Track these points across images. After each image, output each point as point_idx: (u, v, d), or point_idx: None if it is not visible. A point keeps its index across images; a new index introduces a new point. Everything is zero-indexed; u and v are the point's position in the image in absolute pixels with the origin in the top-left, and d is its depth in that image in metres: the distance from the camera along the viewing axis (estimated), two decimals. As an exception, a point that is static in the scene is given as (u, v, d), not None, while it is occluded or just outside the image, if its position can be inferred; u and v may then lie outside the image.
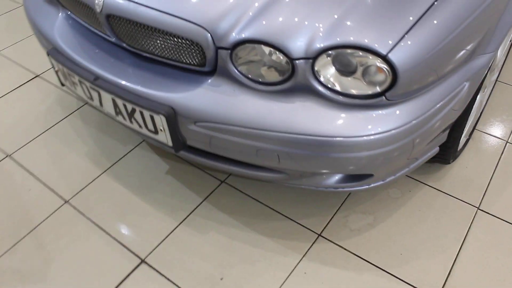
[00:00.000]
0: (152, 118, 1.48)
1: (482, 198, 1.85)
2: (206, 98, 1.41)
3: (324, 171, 1.40)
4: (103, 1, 1.46)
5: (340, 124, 1.28)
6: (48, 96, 2.48)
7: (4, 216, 1.89)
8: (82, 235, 1.80)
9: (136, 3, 1.41)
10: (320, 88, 1.29)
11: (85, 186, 1.99)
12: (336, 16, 1.26)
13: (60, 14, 1.83)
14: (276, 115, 1.35)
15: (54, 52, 1.73)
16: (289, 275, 1.64)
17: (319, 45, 1.24)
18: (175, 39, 1.39)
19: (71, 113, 2.36)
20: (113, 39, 1.58)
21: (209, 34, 1.32)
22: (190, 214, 1.86)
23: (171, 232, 1.80)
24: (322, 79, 1.28)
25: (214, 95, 1.40)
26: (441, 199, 1.86)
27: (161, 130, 1.50)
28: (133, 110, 1.52)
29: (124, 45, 1.57)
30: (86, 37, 1.74)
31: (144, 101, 1.47)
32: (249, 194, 1.92)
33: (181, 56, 1.43)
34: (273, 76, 1.33)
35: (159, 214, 1.86)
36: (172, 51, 1.43)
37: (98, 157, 2.11)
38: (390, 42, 1.20)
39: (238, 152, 1.44)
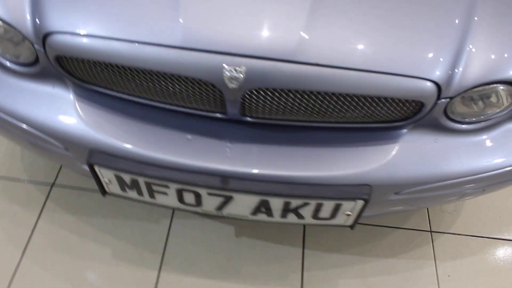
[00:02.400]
0: (337, 206, 1.12)
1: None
2: (411, 158, 1.12)
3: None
4: (244, 74, 0.95)
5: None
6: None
7: None
8: None
9: (321, 65, 0.96)
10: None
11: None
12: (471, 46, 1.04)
13: (73, 94, 1.14)
14: (477, 151, 1.17)
15: (105, 158, 1.10)
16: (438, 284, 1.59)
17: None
18: (369, 99, 1.03)
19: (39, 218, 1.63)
20: (225, 115, 1.09)
21: (437, 86, 1.01)
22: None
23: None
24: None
25: (418, 152, 1.13)
26: None
27: (347, 214, 1.16)
28: (302, 205, 1.12)
29: (249, 119, 1.10)
30: (143, 120, 1.15)
31: (325, 190, 1.09)
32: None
33: (373, 116, 1.08)
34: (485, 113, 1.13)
35: None
36: (358, 113, 1.07)
37: (141, 252, 1.56)
38: None
39: (439, 200, 1.24)
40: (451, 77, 1.01)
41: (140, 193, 1.18)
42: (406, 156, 1.12)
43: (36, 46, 1.07)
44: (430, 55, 0.99)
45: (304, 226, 1.69)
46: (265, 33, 0.95)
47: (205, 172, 1.08)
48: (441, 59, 0.99)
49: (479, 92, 1.05)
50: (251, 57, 0.94)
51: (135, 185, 1.14)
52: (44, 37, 1.03)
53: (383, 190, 1.12)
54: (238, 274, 1.56)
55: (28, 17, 1.04)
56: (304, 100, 1.01)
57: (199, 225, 1.66)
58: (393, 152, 1.11)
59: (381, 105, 1.02)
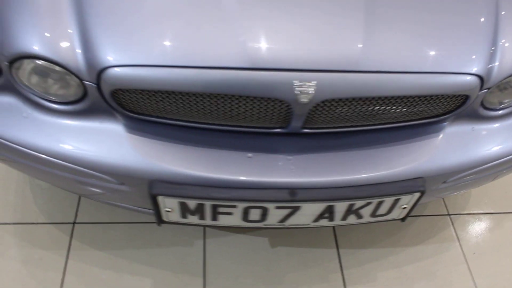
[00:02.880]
0: (395, 202, 1.19)
1: None
2: (454, 148, 1.20)
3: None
4: (315, 89, 0.99)
5: None
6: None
7: None
8: None
9: (374, 72, 1.02)
10: None
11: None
12: None
13: (124, 127, 1.13)
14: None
15: (169, 187, 1.10)
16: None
17: None
18: (413, 98, 1.10)
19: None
20: (285, 129, 1.12)
21: (480, 79, 1.10)
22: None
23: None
24: None
25: (459, 141, 1.21)
26: None
27: (403, 208, 1.22)
28: (365, 205, 1.17)
29: (306, 130, 1.14)
30: (199, 144, 1.16)
31: (387, 187, 1.15)
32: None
33: (424, 113, 1.15)
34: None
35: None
36: (411, 112, 1.14)
37: (181, 278, 1.55)
38: None
39: (478, 183, 1.34)
40: (491, 70, 1.10)
41: (202, 217, 1.18)
42: (450, 146, 1.20)
43: (87, 82, 1.05)
44: (473, 51, 1.08)
45: (334, 227, 1.74)
46: (329, 47, 1.00)
47: (272, 187, 1.10)
48: (482, 54, 1.08)
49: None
50: (320, 71, 0.98)
51: (199, 210, 1.14)
52: (99, 72, 1.01)
53: (434, 181, 1.19)
54: (282, 282, 1.59)
55: (79, 54, 1.02)
56: (365, 106, 1.06)
57: (232, 241, 1.67)
58: (439, 144, 1.19)
59: (432, 102, 1.10)
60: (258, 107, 1.04)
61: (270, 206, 1.13)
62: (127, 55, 0.99)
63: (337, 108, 1.05)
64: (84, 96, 1.09)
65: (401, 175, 1.15)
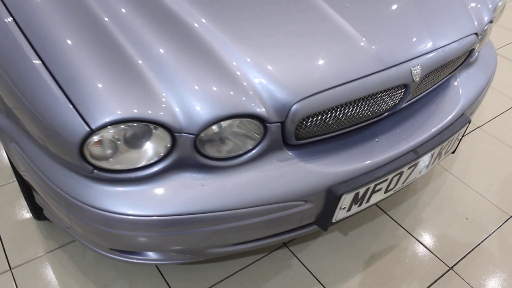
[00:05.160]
0: (458, 135, 1.67)
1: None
2: (468, 86, 1.76)
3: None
4: (420, 69, 1.41)
5: None
6: None
7: None
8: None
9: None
10: None
11: None
12: None
13: (292, 152, 1.34)
14: None
15: (347, 184, 1.36)
16: None
17: None
18: None
19: None
20: (394, 110, 1.49)
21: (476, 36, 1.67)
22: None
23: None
24: None
25: (471, 81, 1.79)
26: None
27: (459, 139, 1.71)
28: (447, 144, 1.63)
29: (404, 104, 1.52)
30: (340, 145, 1.45)
31: (456, 125, 1.62)
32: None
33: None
34: None
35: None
36: (448, 72, 1.64)
37: None
38: None
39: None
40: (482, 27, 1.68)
41: (360, 203, 1.44)
42: (464, 87, 1.74)
43: (271, 124, 1.21)
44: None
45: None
46: (419, 41, 1.43)
47: (401, 155, 1.46)
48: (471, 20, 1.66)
49: None
50: (418, 57, 1.39)
51: (364, 195, 1.41)
52: (288, 109, 1.22)
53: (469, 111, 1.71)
54: (370, 252, 1.89)
55: (260, 104, 1.20)
56: (436, 74, 1.51)
57: (314, 246, 1.89)
58: (459, 86, 1.72)
59: (459, 59, 1.62)
60: (387, 96, 1.39)
61: (405, 169, 1.47)
62: (305, 88, 1.23)
63: (424, 81, 1.48)
64: (262, 139, 1.25)
65: (456, 115, 1.63)
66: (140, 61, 1.16)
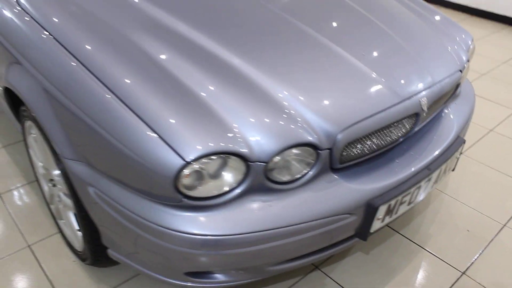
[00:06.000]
0: (457, 153, 1.99)
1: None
2: (460, 108, 2.11)
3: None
4: (427, 100, 1.74)
5: None
6: None
7: None
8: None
9: None
10: None
11: None
12: None
13: (337, 176, 1.60)
14: None
15: (383, 196, 1.63)
16: None
17: None
18: None
19: None
20: (407, 135, 1.79)
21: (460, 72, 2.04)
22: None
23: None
24: None
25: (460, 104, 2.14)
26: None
27: (457, 158, 2.03)
28: (450, 161, 1.94)
29: (416, 128, 1.82)
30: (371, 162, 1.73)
31: (455, 144, 1.94)
32: None
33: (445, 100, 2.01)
34: None
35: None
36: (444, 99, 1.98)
37: None
38: None
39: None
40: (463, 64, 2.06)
41: (391, 214, 1.70)
42: (457, 109, 2.08)
43: (322, 151, 1.48)
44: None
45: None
46: (422, 78, 1.76)
47: (417, 172, 1.75)
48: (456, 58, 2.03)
49: None
50: (425, 90, 1.72)
51: (395, 206, 1.68)
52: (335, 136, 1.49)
53: (462, 132, 2.05)
54: (391, 267, 2.13)
55: (316, 136, 1.47)
56: (437, 102, 1.84)
57: (343, 264, 2.10)
58: (452, 110, 2.06)
59: (451, 90, 1.97)
60: (402, 125, 1.69)
61: (422, 183, 1.76)
62: (349, 117, 1.52)
63: (429, 110, 1.80)
64: (315, 164, 1.51)
65: (453, 137, 1.95)
66: (210, 102, 1.41)
